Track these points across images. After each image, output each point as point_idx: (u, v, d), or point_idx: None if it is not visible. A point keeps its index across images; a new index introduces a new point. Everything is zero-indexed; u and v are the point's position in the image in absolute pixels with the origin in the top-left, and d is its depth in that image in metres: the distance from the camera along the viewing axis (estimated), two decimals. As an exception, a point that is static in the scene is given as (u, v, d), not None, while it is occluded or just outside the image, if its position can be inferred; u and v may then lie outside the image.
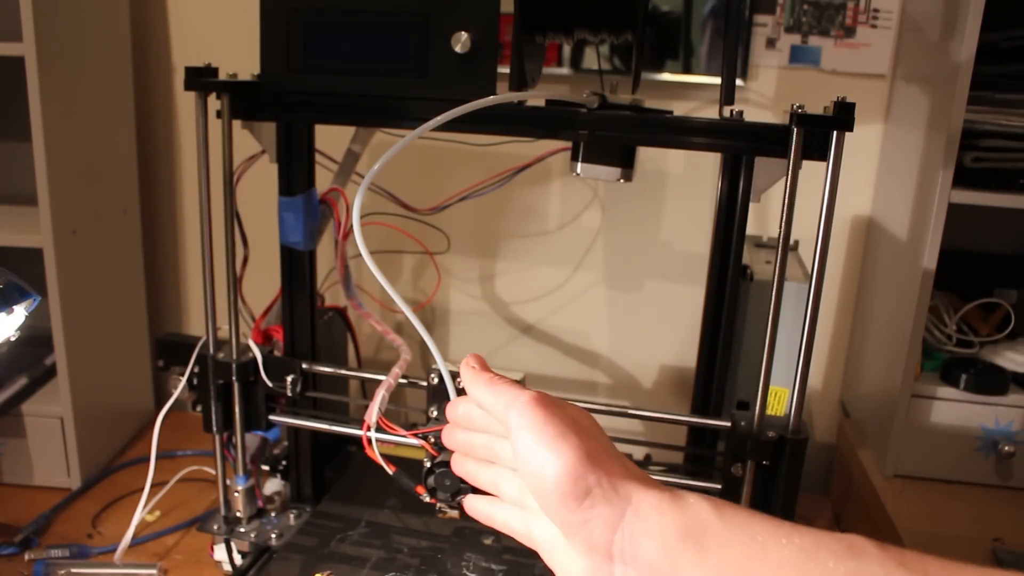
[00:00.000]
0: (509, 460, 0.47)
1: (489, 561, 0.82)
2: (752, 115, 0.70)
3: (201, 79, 0.75)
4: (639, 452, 1.16)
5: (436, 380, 0.74)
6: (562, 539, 0.42)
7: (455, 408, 0.51)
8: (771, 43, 1.12)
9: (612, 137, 0.71)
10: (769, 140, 0.68)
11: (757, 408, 0.70)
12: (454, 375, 0.74)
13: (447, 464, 0.68)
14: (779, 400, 0.82)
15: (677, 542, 0.37)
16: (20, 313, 0.79)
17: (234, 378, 0.82)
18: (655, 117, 0.73)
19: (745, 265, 0.88)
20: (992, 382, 1.01)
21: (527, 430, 0.42)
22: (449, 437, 0.53)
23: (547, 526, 0.44)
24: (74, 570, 0.90)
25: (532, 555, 0.83)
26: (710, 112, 1.03)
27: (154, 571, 0.89)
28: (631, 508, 0.38)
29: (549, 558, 0.44)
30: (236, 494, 0.87)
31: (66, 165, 1.02)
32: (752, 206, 0.73)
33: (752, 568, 0.35)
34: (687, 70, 1.13)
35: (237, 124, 0.79)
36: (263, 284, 0.92)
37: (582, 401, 0.78)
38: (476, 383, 0.48)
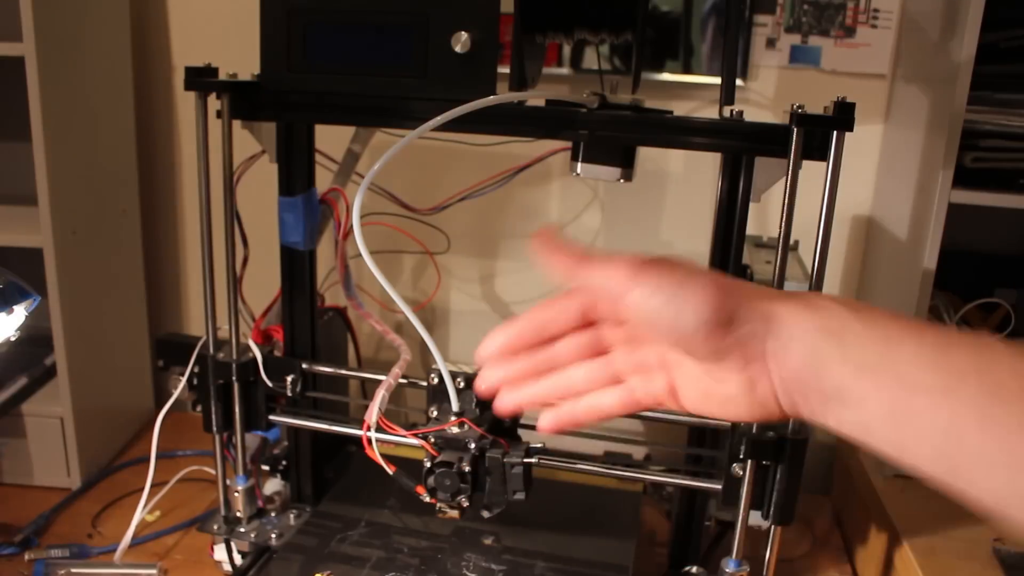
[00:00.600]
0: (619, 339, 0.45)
1: (489, 561, 0.83)
2: (752, 115, 0.70)
3: (201, 79, 0.75)
4: (639, 452, 1.16)
5: (436, 380, 0.74)
6: (712, 370, 0.41)
7: (522, 326, 0.46)
8: (771, 43, 1.12)
9: (612, 137, 0.71)
10: (769, 140, 0.68)
11: (757, 408, 0.70)
12: (454, 375, 0.74)
13: (447, 464, 0.68)
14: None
15: (820, 341, 0.38)
16: (20, 313, 0.79)
17: (234, 378, 0.82)
18: (655, 117, 0.73)
19: (745, 265, 0.88)
20: (992, 382, 1.00)
21: (647, 288, 0.40)
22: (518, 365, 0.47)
23: (687, 368, 0.43)
24: (74, 570, 0.90)
25: (532, 555, 0.83)
26: (710, 112, 1.03)
27: (154, 571, 0.89)
28: (775, 319, 0.39)
29: (695, 393, 0.43)
30: (236, 494, 0.87)
31: (66, 165, 1.02)
32: (752, 206, 0.73)
33: (889, 359, 0.36)
34: (687, 70, 1.13)
35: (237, 124, 0.79)
36: (263, 284, 0.92)
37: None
38: (575, 264, 0.44)
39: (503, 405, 0.48)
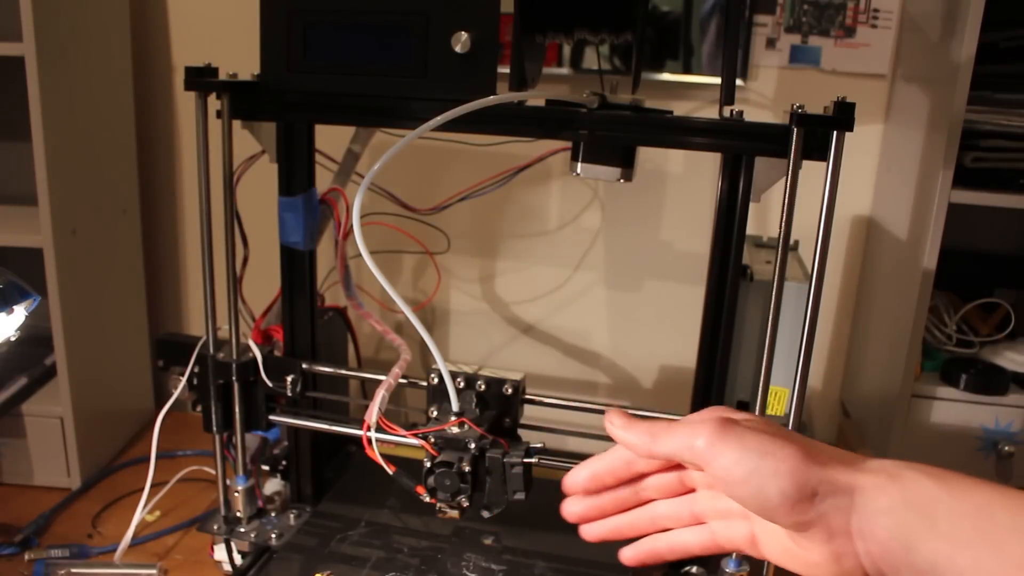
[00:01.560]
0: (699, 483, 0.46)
1: (489, 561, 0.82)
2: (752, 115, 0.70)
3: (201, 79, 0.75)
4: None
5: (436, 380, 0.74)
6: (795, 537, 0.41)
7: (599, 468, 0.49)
8: (771, 43, 1.12)
9: (612, 137, 0.71)
10: (769, 140, 0.68)
11: (757, 408, 0.70)
12: (454, 375, 0.74)
13: (447, 464, 0.68)
14: (779, 400, 0.82)
15: (909, 516, 0.38)
16: (20, 313, 0.79)
17: (234, 378, 0.82)
18: (655, 117, 0.73)
19: (745, 265, 0.88)
20: (992, 382, 1.01)
21: (731, 457, 0.41)
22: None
23: (771, 530, 0.43)
24: (74, 570, 0.90)
25: (532, 555, 0.83)
26: (710, 112, 1.03)
27: (154, 571, 0.89)
28: (858, 492, 0.39)
29: (777, 549, 0.43)
30: (236, 494, 0.87)
31: (66, 165, 1.02)
32: (752, 206, 0.73)
33: (984, 532, 0.36)
34: (687, 70, 1.13)
35: (237, 124, 0.78)
36: (263, 284, 0.92)
37: (582, 401, 0.79)
38: (650, 437, 0.45)
39: (590, 534, 0.50)
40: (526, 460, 0.69)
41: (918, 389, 1.00)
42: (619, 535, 0.50)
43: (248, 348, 0.84)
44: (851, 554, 0.39)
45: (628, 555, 0.49)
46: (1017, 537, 0.35)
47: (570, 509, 0.50)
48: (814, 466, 0.40)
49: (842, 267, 1.20)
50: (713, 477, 0.42)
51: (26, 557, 0.92)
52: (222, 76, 0.76)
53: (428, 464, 0.69)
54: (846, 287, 1.21)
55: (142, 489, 0.84)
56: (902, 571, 0.38)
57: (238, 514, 0.88)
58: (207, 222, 0.79)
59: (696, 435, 0.42)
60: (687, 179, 1.19)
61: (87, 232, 1.08)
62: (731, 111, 0.71)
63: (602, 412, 0.76)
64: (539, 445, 0.72)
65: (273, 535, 0.87)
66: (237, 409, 0.84)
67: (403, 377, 0.79)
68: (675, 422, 0.44)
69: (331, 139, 0.92)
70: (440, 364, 0.71)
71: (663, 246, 1.22)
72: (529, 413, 0.78)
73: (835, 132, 0.64)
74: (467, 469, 0.68)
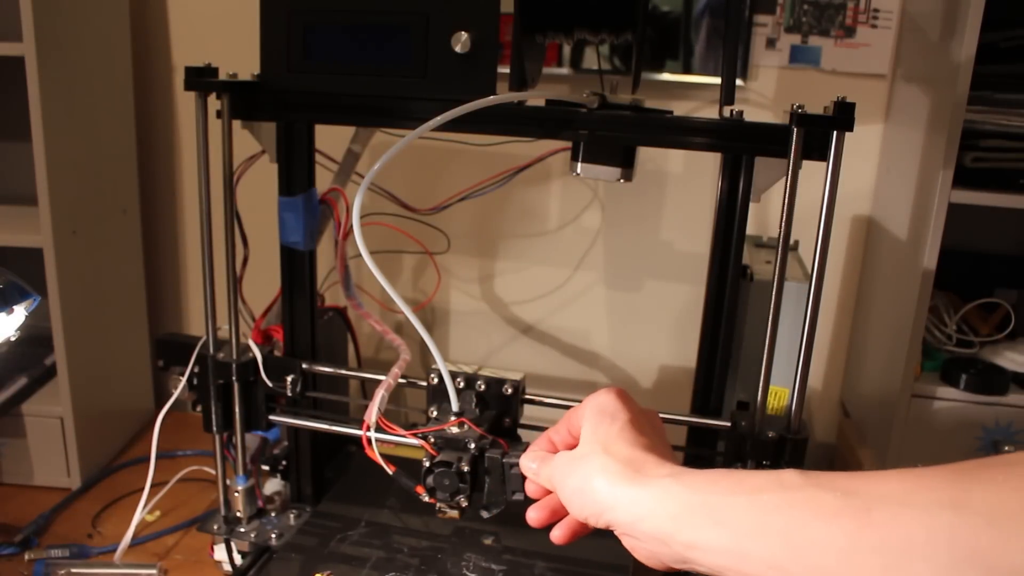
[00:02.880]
0: None
1: (489, 561, 0.82)
2: (752, 115, 0.70)
3: (201, 79, 0.75)
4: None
5: (436, 380, 0.74)
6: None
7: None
8: (771, 43, 1.12)
9: (612, 137, 0.71)
10: (769, 140, 0.68)
11: (757, 408, 0.70)
12: (454, 375, 0.74)
13: (446, 464, 0.68)
14: (779, 400, 0.82)
15: (657, 522, 0.46)
16: (20, 313, 0.79)
17: (234, 378, 0.82)
18: (655, 117, 0.73)
19: (745, 265, 0.88)
20: (992, 382, 1.01)
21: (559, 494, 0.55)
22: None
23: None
24: (74, 570, 0.90)
25: (532, 555, 0.83)
26: (710, 112, 1.03)
27: (154, 571, 0.89)
28: (618, 515, 0.48)
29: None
30: (236, 494, 0.87)
31: (66, 165, 1.02)
32: (752, 206, 0.73)
33: (710, 518, 0.43)
34: (687, 70, 1.13)
35: (237, 124, 0.78)
36: (263, 284, 0.92)
37: (581, 401, 0.78)
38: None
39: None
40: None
41: (918, 389, 1.00)
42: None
43: (248, 348, 0.84)
44: (638, 550, 0.48)
45: (531, 516, 0.60)
46: (730, 514, 0.42)
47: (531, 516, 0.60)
48: (594, 497, 0.49)
49: (842, 267, 1.20)
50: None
51: (26, 557, 0.92)
52: (222, 76, 0.76)
53: (427, 464, 0.69)
54: (846, 287, 1.21)
55: (142, 489, 0.84)
56: (667, 560, 0.46)
57: (238, 514, 0.88)
58: (207, 222, 0.79)
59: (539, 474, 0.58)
60: (687, 179, 1.19)
61: (87, 232, 1.08)
62: (731, 111, 0.71)
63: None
64: (539, 445, 0.72)
65: (273, 535, 0.87)
66: (237, 409, 0.84)
67: (403, 377, 0.79)
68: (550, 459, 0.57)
69: (331, 139, 0.92)
70: (440, 364, 0.71)
71: (663, 246, 1.22)
72: (529, 413, 0.78)
73: (835, 132, 0.64)
74: (466, 469, 0.68)
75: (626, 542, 0.49)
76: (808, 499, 0.39)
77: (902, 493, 0.36)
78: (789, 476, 0.41)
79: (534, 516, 0.59)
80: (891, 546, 0.35)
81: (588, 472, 0.50)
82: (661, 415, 0.77)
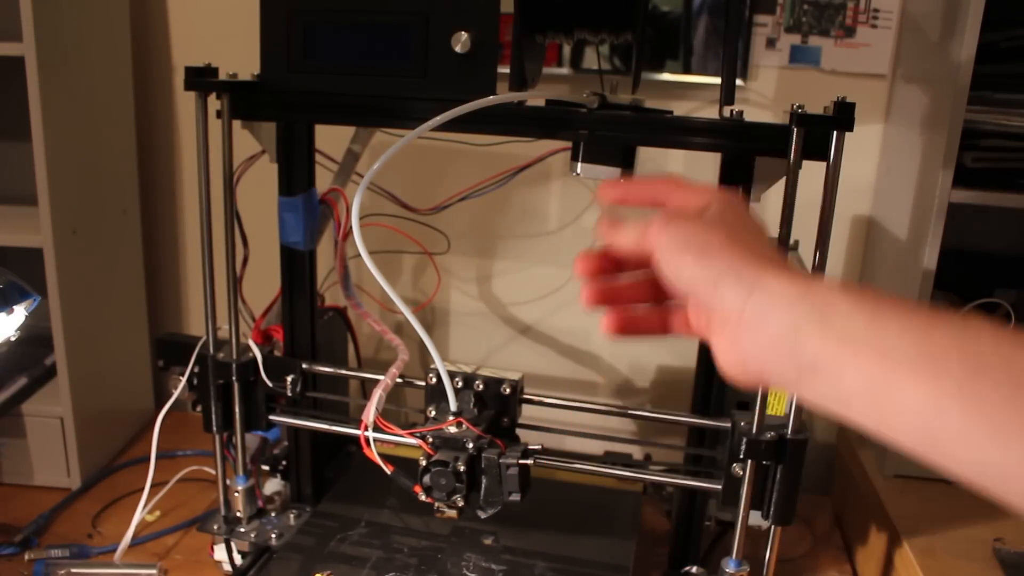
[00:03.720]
0: None
1: (489, 561, 0.83)
2: (752, 115, 0.70)
3: (201, 79, 0.75)
4: (639, 452, 1.16)
5: (434, 380, 0.74)
6: (705, 328, 0.45)
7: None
8: (771, 43, 1.12)
9: (612, 137, 0.71)
10: (769, 140, 0.68)
11: (757, 408, 0.70)
12: (452, 375, 0.74)
13: (442, 463, 0.68)
14: (779, 400, 0.82)
15: (802, 313, 0.38)
16: (20, 313, 0.79)
17: (234, 378, 0.82)
18: (655, 117, 0.73)
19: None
20: (992, 382, 1.00)
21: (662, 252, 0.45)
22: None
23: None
24: (74, 570, 0.90)
25: (532, 555, 0.83)
26: (710, 112, 1.03)
27: (154, 571, 0.89)
28: (758, 289, 0.40)
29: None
30: (236, 494, 0.87)
31: (66, 165, 1.02)
32: (752, 206, 0.73)
33: (872, 334, 0.36)
34: (687, 70, 1.13)
35: (237, 124, 0.79)
36: (263, 284, 0.92)
37: (581, 401, 0.79)
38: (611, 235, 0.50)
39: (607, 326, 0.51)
40: (521, 461, 0.69)
41: (918, 389, 1.00)
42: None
43: (248, 348, 0.84)
44: (739, 345, 0.41)
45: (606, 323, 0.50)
46: (902, 339, 0.35)
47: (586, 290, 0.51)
48: (724, 256, 0.42)
49: (842, 267, 1.20)
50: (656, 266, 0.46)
51: (26, 557, 0.92)
52: (222, 76, 0.76)
53: (424, 463, 0.69)
54: (846, 287, 1.21)
55: (142, 489, 0.84)
56: (785, 366, 0.39)
57: (238, 514, 0.88)
58: (207, 222, 0.79)
59: (644, 232, 0.47)
60: (687, 179, 1.19)
61: (87, 232, 1.08)
62: (731, 111, 0.72)
63: (601, 412, 0.76)
64: (536, 446, 0.72)
65: (273, 535, 0.87)
66: (237, 409, 0.84)
67: (401, 377, 0.79)
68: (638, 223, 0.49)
69: (331, 139, 0.92)
70: (438, 364, 0.71)
71: (663, 246, 1.22)
72: (528, 413, 0.78)
73: (835, 132, 0.64)
74: (462, 469, 0.68)
75: (731, 335, 0.42)
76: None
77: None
78: (974, 322, 0.35)
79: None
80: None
81: (704, 235, 0.43)
82: (661, 415, 0.78)
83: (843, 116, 0.64)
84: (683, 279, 0.44)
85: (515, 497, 0.70)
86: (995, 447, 0.33)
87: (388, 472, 0.70)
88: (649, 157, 1.17)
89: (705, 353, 0.80)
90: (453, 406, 0.72)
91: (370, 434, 0.71)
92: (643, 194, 0.52)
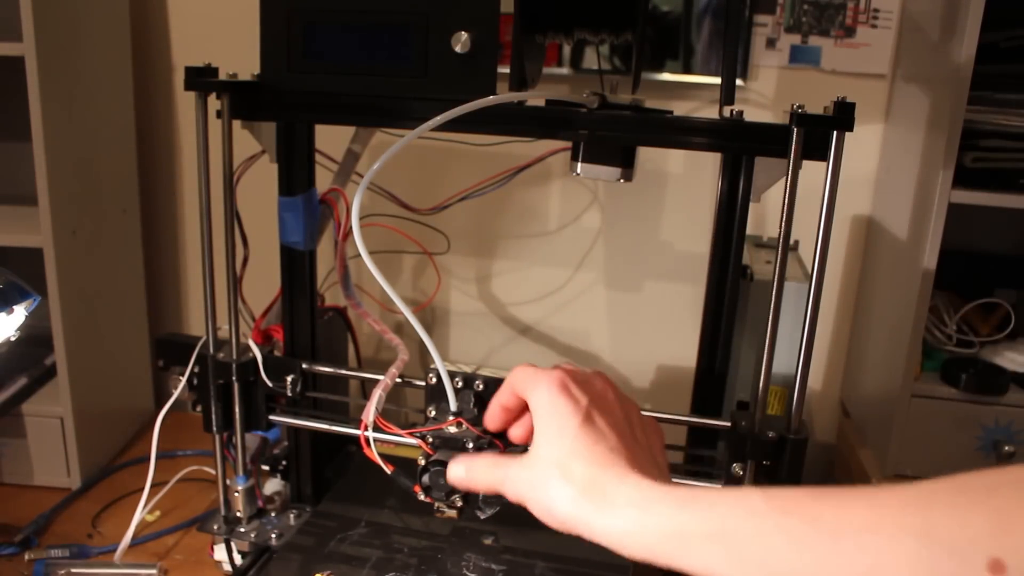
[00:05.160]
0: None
1: (489, 561, 0.82)
2: (752, 115, 0.70)
3: (201, 79, 0.75)
4: (639, 452, 1.16)
5: (434, 380, 0.74)
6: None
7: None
8: (771, 43, 1.12)
9: (612, 137, 0.71)
10: (769, 140, 0.68)
11: (757, 408, 0.70)
12: (452, 375, 0.74)
13: (441, 463, 0.68)
14: (779, 400, 0.82)
15: (642, 549, 0.48)
16: (20, 313, 0.79)
17: (234, 378, 0.82)
18: (655, 117, 0.73)
19: (745, 265, 0.88)
20: (992, 382, 1.01)
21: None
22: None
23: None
24: (74, 570, 0.90)
25: (532, 555, 0.83)
26: (710, 112, 1.03)
27: (154, 571, 0.89)
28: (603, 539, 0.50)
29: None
30: (236, 494, 0.87)
31: (66, 165, 1.02)
32: (752, 206, 0.73)
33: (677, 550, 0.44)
34: (687, 70, 1.13)
35: (237, 124, 0.78)
36: (263, 284, 0.92)
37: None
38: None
39: None
40: (523, 461, 0.69)
41: (918, 389, 1.00)
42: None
43: (248, 348, 0.84)
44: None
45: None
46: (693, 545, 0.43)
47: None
48: (562, 519, 0.50)
49: (842, 267, 1.20)
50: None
51: (26, 557, 0.92)
52: (222, 76, 0.76)
53: (422, 463, 0.69)
54: (846, 287, 1.21)
55: (142, 489, 0.84)
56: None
57: (238, 514, 0.88)
58: (207, 222, 0.79)
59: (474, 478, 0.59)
60: (687, 179, 1.19)
61: (87, 232, 1.08)
62: (731, 111, 0.71)
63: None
64: (538, 445, 0.72)
65: (273, 535, 0.87)
66: (237, 409, 0.84)
67: (401, 377, 0.79)
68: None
69: (331, 139, 0.92)
70: (438, 364, 0.71)
71: (663, 246, 1.22)
72: (529, 413, 0.78)
73: (835, 132, 0.64)
74: (463, 469, 0.67)
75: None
76: (778, 527, 0.40)
77: (867, 519, 0.37)
78: (754, 501, 0.41)
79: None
80: (858, 572, 0.36)
81: (550, 498, 0.50)
82: (661, 416, 0.78)
83: (843, 116, 0.64)
84: (546, 522, 0.51)
85: (514, 498, 0.70)
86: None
87: (388, 472, 0.70)
88: (649, 157, 1.17)
89: (705, 353, 0.80)
90: (453, 406, 0.72)
91: (370, 434, 0.71)
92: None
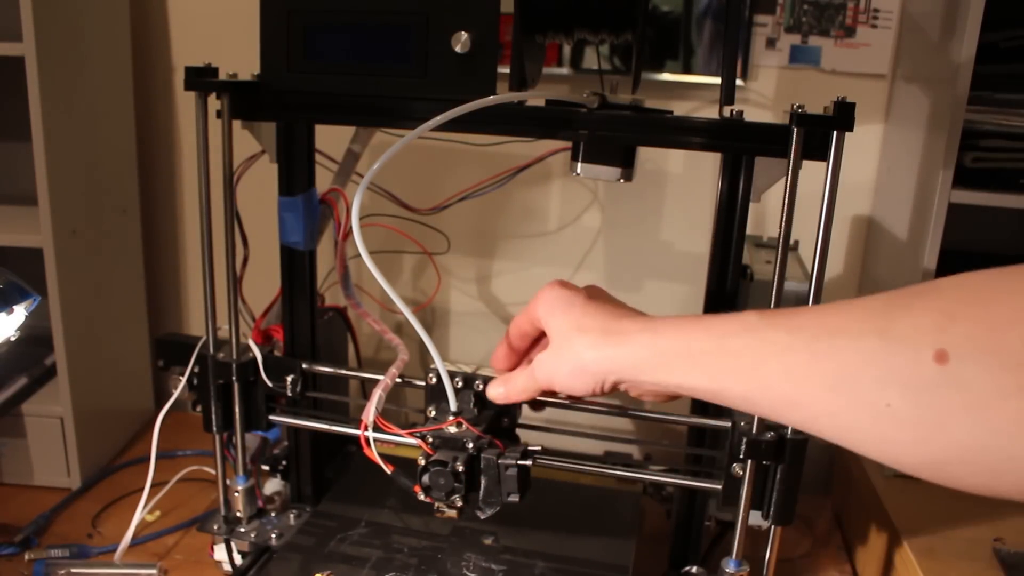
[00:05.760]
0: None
1: (489, 561, 0.83)
2: (752, 115, 0.70)
3: (201, 79, 0.75)
4: (639, 452, 1.16)
5: (434, 380, 0.74)
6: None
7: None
8: (771, 43, 1.12)
9: (612, 137, 0.71)
10: (769, 140, 0.68)
11: (757, 408, 0.69)
12: (452, 375, 0.74)
13: (441, 463, 0.68)
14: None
15: (658, 375, 0.54)
16: (20, 313, 0.79)
17: (234, 378, 0.82)
18: (655, 117, 0.73)
19: (745, 265, 0.88)
20: (992, 382, 1.00)
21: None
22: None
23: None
24: (74, 570, 0.90)
25: (532, 555, 0.83)
26: (710, 112, 1.03)
27: (154, 571, 0.89)
28: (627, 377, 0.57)
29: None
30: (236, 494, 0.87)
31: (66, 165, 1.02)
32: (752, 206, 0.73)
33: (690, 365, 0.51)
34: (687, 70, 1.13)
35: (237, 124, 0.79)
36: (263, 284, 0.92)
37: (580, 401, 0.78)
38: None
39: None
40: (520, 462, 0.69)
41: (918, 389, 1.00)
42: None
43: (248, 348, 0.84)
44: (644, 394, 0.58)
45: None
46: (701, 355, 0.50)
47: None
48: (591, 368, 0.56)
49: (842, 267, 1.20)
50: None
51: (26, 557, 0.92)
52: (222, 76, 0.76)
53: (422, 463, 0.69)
54: (846, 287, 1.21)
55: (142, 489, 0.84)
56: (669, 394, 0.56)
57: (238, 514, 0.88)
58: (207, 222, 0.79)
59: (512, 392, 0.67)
60: (687, 179, 1.19)
61: (87, 232, 1.08)
62: (731, 111, 0.71)
63: (601, 412, 0.76)
64: (536, 447, 0.72)
65: (273, 535, 0.87)
66: (237, 409, 0.84)
67: (401, 377, 0.79)
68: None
69: (331, 139, 0.92)
70: (438, 364, 0.71)
71: (663, 246, 1.22)
72: (528, 413, 0.78)
73: (835, 132, 0.64)
74: (460, 469, 0.67)
75: (632, 392, 0.57)
76: (765, 339, 0.46)
77: (839, 324, 0.42)
78: (750, 318, 0.48)
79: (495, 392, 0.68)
80: (832, 372, 0.42)
81: (576, 352, 0.57)
82: (661, 415, 0.78)
83: (843, 116, 0.64)
84: (580, 390, 0.58)
85: (514, 498, 0.70)
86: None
87: (388, 472, 0.70)
88: (649, 157, 1.17)
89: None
90: (453, 406, 0.72)
91: (370, 434, 0.71)
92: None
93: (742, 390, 0.47)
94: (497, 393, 0.67)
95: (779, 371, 0.44)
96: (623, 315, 0.58)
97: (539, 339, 0.67)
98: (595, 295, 0.61)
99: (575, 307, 0.59)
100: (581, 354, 0.56)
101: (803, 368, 0.43)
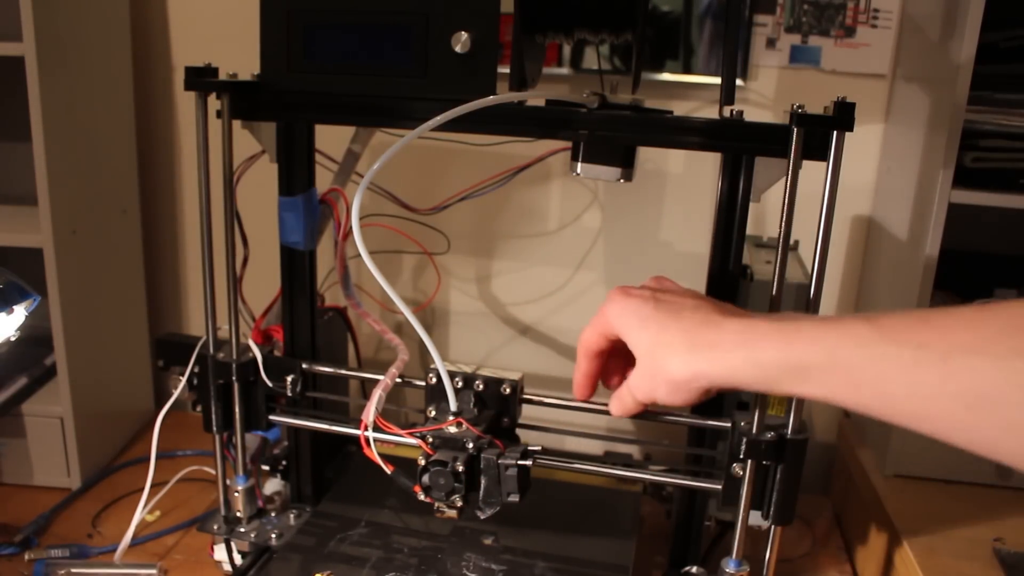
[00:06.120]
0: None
1: (489, 561, 0.83)
2: (752, 115, 0.70)
3: (201, 79, 0.75)
4: (639, 452, 1.16)
5: (434, 380, 0.74)
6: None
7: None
8: (771, 43, 1.12)
9: (612, 137, 0.71)
10: (769, 140, 0.68)
11: (757, 408, 0.70)
12: (452, 375, 0.74)
13: (441, 463, 0.68)
14: (779, 400, 0.82)
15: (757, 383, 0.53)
16: (20, 313, 0.79)
17: (234, 378, 0.82)
18: (655, 117, 0.73)
19: (745, 265, 0.88)
20: (992, 382, 1.00)
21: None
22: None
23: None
24: (74, 570, 0.90)
25: (532, 555, 0.83)
26: (710, 112, 1.03)
27: (154, 571, 0.89)
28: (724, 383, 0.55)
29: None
30: (236, 494, 0.87)
31: (66, 165, 1.02)
32: (752, 206, 0.73)
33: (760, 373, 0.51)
34: (687, 70, 1.13)
35: (237, 124, 0.79)
36: (263, 284, 0.92)
37: (580, 401, 0.79)
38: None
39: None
40: (520, 462, 0.69)
41: (918, 389, 1.00)
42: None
43: (248, 348, 0.84)
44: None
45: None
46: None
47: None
48: (692, 386, 0.54)
49: (842, 267, 1.20)
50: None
51: (26, 557, 0.92)
52: (222, 76, 0.76)
53: (423, 463, 0.69)
54: (846, 287, 1.21)
55: (142, 489, 0.84)
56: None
57: (238, 514, 0.88)
58: (207, 222, 0.79)
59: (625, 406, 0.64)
60: (687, 179, 1.19)
61: (87, 232, 1.08)
62: (731, 111, 0.71)
63: (600, 412, 0.76)
64: (536, 447, 0.72)
65: (273, 535, 0.87)
66: (237, 409, 0.84)
67: (401, 377, 0.79)
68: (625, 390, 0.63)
69: (331, 139, 0.92)
70: (438, 364, 0.71)
71: (663, 246, 1.22)
72: (528, 413, 0.78)
73: (835, 132, 0.64)
74: (460, 469, 0.67)
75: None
76: (886, 354, 0.44)
77: (971, 343, 0.41)
78: (859, 328, 0.45)
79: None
80: (971, 391, 0.40)
81: (667, 373, 0.54)
82: (662, 415, 0.78)
83: (843, 116, 0.64)
84: (684, 402, 0.56)
85: (514, 498, 0.70)
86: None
87: (388, 472, 0.70)
88: (649, 157, 1.17)
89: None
90: (453, 406, 0.72)
91: (370, 434, 0.71)
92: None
93: (858, 401, 0.46)
94: (616, 411, 0.66)
95: (905, 387, 0.43)
96: (702, 320, 0.55)
97: (612, 350, 0.65)
98: (661, 296, 0.58)
99: (649, 320, 0.56)
100: (673, 374, 0.54)
101: (934, 386, 0.42)
